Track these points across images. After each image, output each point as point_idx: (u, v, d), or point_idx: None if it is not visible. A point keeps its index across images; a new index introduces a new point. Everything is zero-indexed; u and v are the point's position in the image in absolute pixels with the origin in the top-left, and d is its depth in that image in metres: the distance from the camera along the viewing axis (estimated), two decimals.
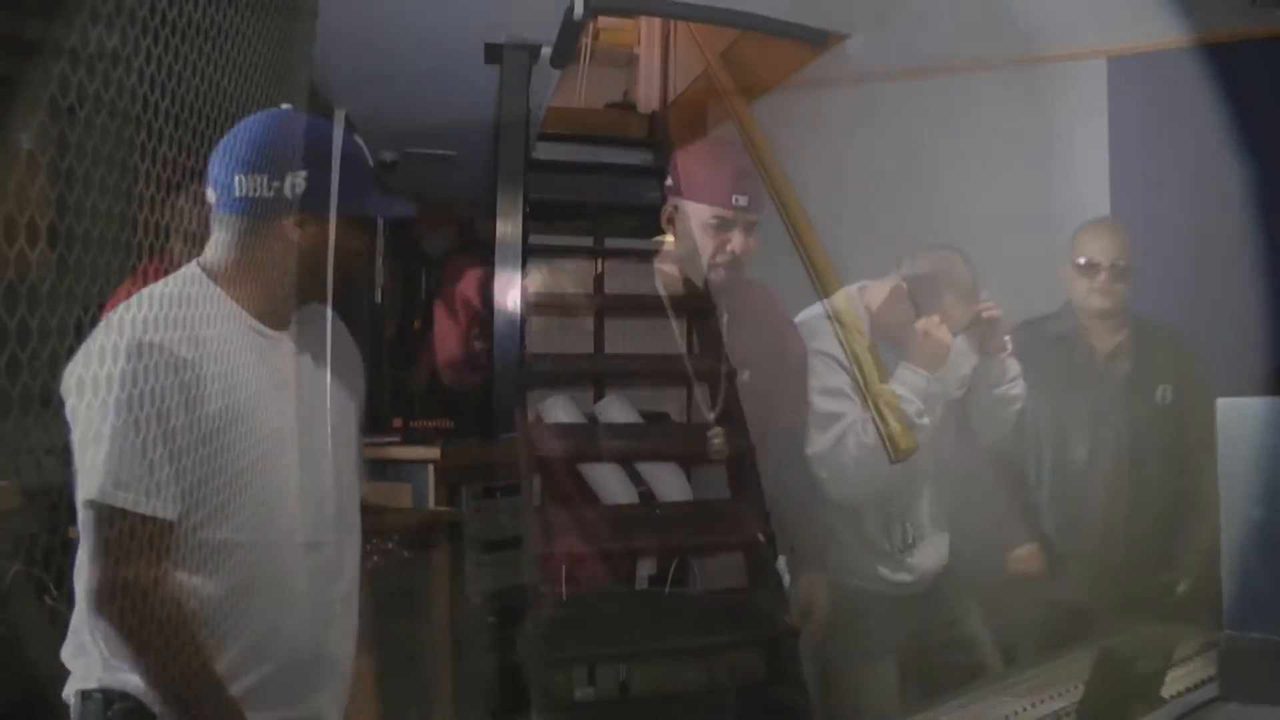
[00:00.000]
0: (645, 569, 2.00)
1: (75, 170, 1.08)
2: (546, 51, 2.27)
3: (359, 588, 1.32)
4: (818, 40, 2.35)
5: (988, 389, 1.95)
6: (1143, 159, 2.15)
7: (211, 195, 1.18)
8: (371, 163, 1.30)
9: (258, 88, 1.31)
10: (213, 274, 1.18)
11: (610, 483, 2.03)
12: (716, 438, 1.98)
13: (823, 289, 2.02)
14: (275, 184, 1.15)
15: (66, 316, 1.05)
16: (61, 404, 1.06)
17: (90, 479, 1.02)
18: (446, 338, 3.32)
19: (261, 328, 1.20)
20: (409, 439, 3.03)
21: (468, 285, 3.19)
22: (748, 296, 2.11)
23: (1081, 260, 2.04)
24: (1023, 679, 1.43)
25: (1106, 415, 2.04)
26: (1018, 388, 1.96)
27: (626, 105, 3.62)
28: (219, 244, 1.19)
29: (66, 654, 1.15)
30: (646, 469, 2.07)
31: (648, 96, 3.36)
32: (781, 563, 1.94)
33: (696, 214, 1.98)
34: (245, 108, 1.26)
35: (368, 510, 1.42)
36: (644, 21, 3.52)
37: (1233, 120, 1.88)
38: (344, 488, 1.29)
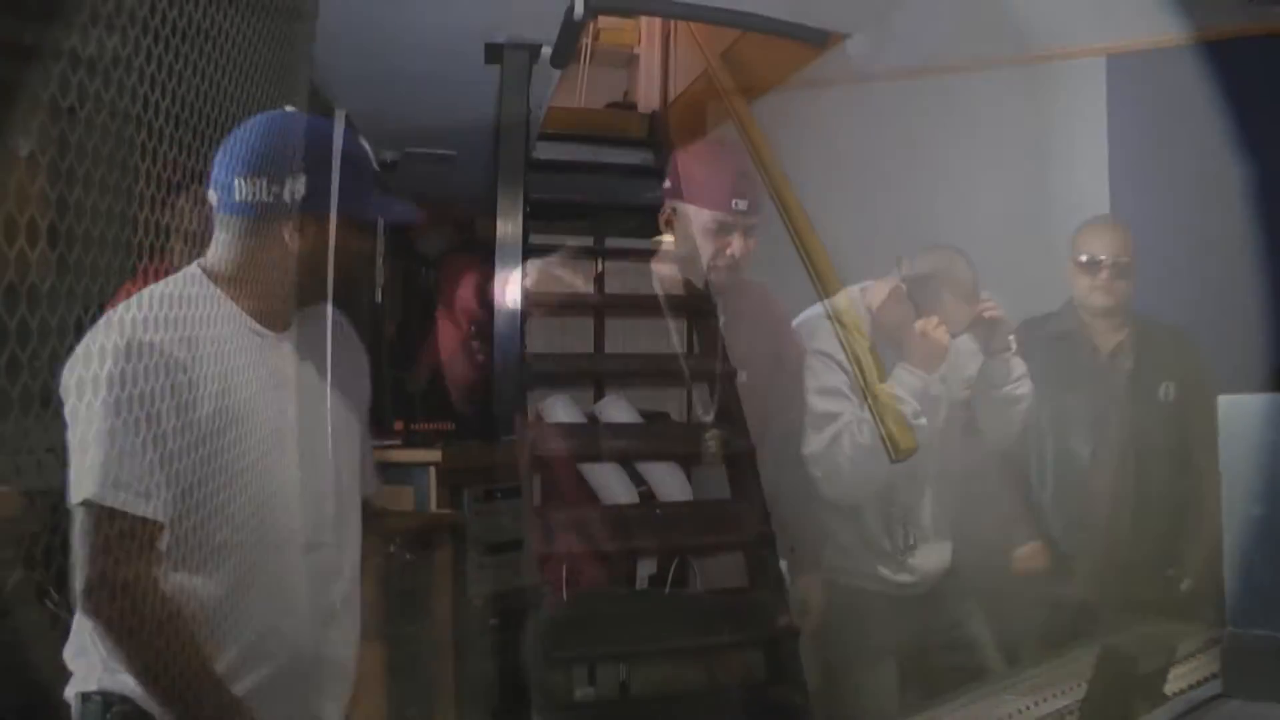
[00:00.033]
0: (645, 569, 2.00)
1: (75, 170, 1.07)
2: (546, 51, 2.27)
3: (360, 589, 1.32)
4: (818, 40, 2.35)
5: (993, 389, 1.94)
6: (1142, 156, 2.15)
7: (213, 197, 1.18)
8: (375, 165, 1.30)
9: (258, 87, 1.30)
10: (213, 275, 1.18)
11: (610, 483, 2.03)
12: (712, 440, 1.98)
13: (823, 289, 2.02)
14: (275, 188, 1.16)
15: (66, 316, 1.04)
16: (61, 404, 1.06)
17: (82, 480, 1.02)
18: (445, 338, 3.32)
19: (261, 329, 1.20)
20: (410, 442, 3.03)
21: (465, 285, 3.19)
22: (744, 296, 2.11)
23: (1083, 258, 2.04)
24: (1025, 677, 1.43)
25: (1109, 413, 2.04)
26: (1024, 387, 1.95)
27: (626, 105, 3.62)
28: (220, 245, 1.19)
29: (68, 654, 1.15)
30: (647, 469, 2.07)
31: (648, 96, 3.37)
32: (783, 565, 1.94)
33: (696, 217, 1.98)
34: (245, 107, 1.26)
35: (376, 513, 1.43)
36: (644, 21, 3.52)
37: (1232, 117, 1.88)
38: (344, 489, 1.29)
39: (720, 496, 2.08)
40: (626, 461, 2.06)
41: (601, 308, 2.30)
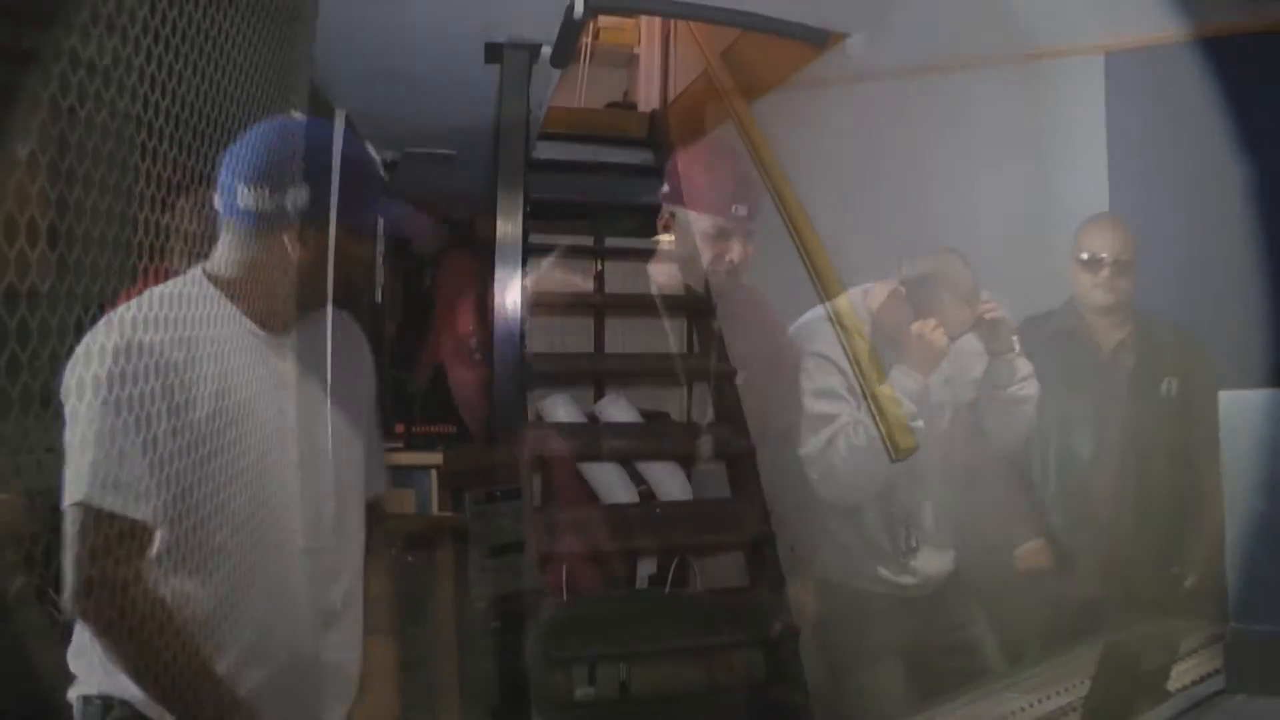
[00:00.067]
0: (645, 569, 2.00)
1: (75, 170, 1.07)
2: (546, 51, 2.27)
3: (361, 592, 1.31)
4: (818, 40, 2.35)
5: (999, 390, 1.94)
6: (1141, 154, 2.14)
7: (218, 202, 1.18)
8: (384, 175, 1.31)
9: (258, 87, 1.30)
10: (215, 278, 1.19)
11: (610, 482, 2.03)
12: (705, 441, 1.99)
13: (823, 289, 2.02)
14: (278, 196, 1.16)
15: (66, 317, 1.04)
16: (62, 404, 1.06)
17: (75, 481, 1.02)
18: (443, 337, 3.32)
19: (261, 332, 1.20)
20: (411, 444, 3.04)
21: (461, 285, 3.19)
22: (738, 299, 2.11)
23: (1084, 256, 2.04)
24: (1028, 675, 1.43)
25: (1111, 410, 2.03)
26: (1030, 388, 1.93)
27: (626, 105, 3.63)
28: (223, 250, 1.20)
29: (70, 655, 1.15)
30: (647, 468, 2.07)
31: (648, 96, 3.37)
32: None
33: (695, 223, 1.99)
34: (246, 107, 1.26)
35: (385, 514, 1.42)
36: (644, 21, 3.53)
37: (1231, 114, 1.88)
38: (346, 491, 1.29)
39: (720, 496, 2.08)
40: (626, 461, 2.06)
41: (601, 307, 2.30)
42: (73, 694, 1.14)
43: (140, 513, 1.03)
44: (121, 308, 1.08)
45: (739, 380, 2.10)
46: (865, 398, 1.84)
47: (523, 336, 2.02)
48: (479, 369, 3.06)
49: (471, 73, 2.30)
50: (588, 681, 1.77)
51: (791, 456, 1.93)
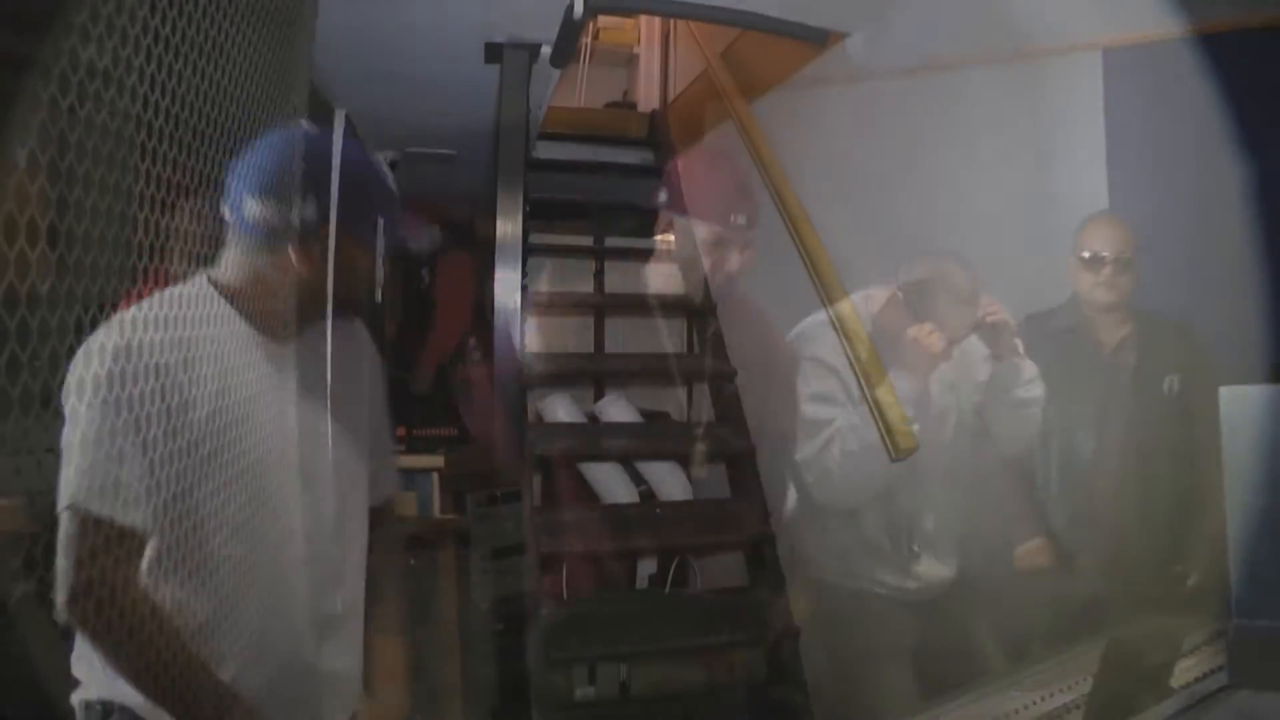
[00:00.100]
0: (646, 569, 2.00)
1: (75, 170, 1.07)
2: (546, 51, 2.28)
3: (363, 598, 1.31)
4: (818, 39, 2.35)
5: (1005, 393, 1.93)
6: (1140, 151, 2.14)
7: (226, 212, 1.19)
8: (395, 189, 1.31)
9: (258, 87, 1.31)
10: (219, 285, 1.19)
11: (611, 482, 2.03)
12: (700, 443, 1.99)
13: (822, 288, 2.02)
14: (286, 209, 1.16)
15: (66, 317, 1.04)
16: (62, 404, 1.05)
17: (68, 485, 1.02)
18: (442, 337, 3.32)
19: (262, 338, 1.20)
20: (412, 447, 3.03)
21: (459, 284, 3.19)
22: (733, 302, 2.11)
23: (1086, 254, 2.04)
24: (1031, 673, 1.42)
25: (1114, 408, 2.03)
26: (1036, 390, 1.93)
27: (626, 105, 3.62)
28: (229, 258, 1.20)
29: (73, 660, 1.14)
30: (647, 468, 2.08)
31: (647, 96, 3.37)
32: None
33: (695, 231, 1.99)
34: (246, 107, 1.26)
35: (393, 518, 1.42)
36: (644, 21, 3.53)
37: (1230, 111, 1.87)
38: (348, 496, 1.28)
39: (720, 495, 2.08)
40: (627, 461, 2.06)
41: (601, 308, 2.30)
42: (75, 699, 1.14)
43: (131, 518, 1.02)
44: (123, 310, 1.08)
45: (739, 380, 2.10)
46: (865, 401, 1.84)
47: (522, 337, 2.03)
48: (478, 369, 3.06)
49: (471, 73, 2.30)
50: (588, 681, 1.77)
51: (788, 459, 1.93)
